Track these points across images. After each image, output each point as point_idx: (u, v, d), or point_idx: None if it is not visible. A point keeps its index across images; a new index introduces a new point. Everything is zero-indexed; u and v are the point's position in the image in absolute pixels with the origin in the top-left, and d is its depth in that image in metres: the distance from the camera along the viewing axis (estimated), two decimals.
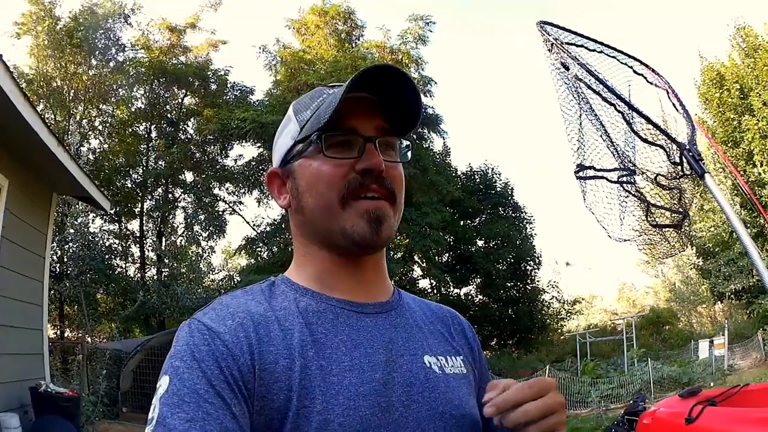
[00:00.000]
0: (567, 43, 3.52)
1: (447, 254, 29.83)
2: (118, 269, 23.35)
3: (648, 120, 3.10)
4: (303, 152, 1.14)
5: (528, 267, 30.01)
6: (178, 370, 0.95)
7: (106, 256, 20.97)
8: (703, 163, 2.96)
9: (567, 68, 3.19)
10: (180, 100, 26.08)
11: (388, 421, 1.01)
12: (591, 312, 42.21)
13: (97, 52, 23.15)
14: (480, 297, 30.20)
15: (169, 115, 26.06)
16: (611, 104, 3.11)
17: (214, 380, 0.93)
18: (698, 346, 20.66)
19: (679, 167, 3.04)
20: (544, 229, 76.05)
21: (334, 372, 1.00)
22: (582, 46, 3.60)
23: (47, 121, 21.56)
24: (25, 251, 8.26)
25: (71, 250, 17.82)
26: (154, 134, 25.94)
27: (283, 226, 22.69)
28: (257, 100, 24.84)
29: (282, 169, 1.19)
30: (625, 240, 3.52)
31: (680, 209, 3.32)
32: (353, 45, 25.82)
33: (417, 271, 29.04)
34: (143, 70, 24.34)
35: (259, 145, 23.49)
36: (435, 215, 22.80)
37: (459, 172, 30.01)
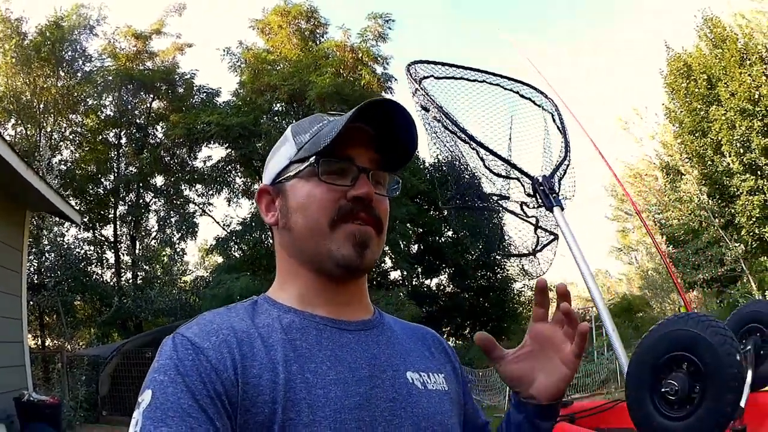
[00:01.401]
0: (444, 77, 4.04)
1: (416, 246, 30.03)
2: (95, 275, 23.64)
3: (497, 156, 3.60)
4: (298, 173, 1.16)
5: (498, 256, 30.13)
6: (162, 384, 0.95)
7: (82, 264, 21.36)
8: (557, 196, 3.46)
9: (427, 110, 3.68)
10: (148, 105, 26.34)
11: None
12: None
13: (64, 64, 23.39)
14: (451, 287, 30.45)
15: (138, 121, 26.32)
16: (466, 142, 3.61)
17: (197, 395, 0.95)
18: None
19: (534, 199, 3.53)
20: (515, 218, 76.14)
21: (320, 385, 1.02)
22: (462, 78, 4.10)
23: (18, 135, 21.98)
24: (1, 269, 8.75)
25: (48, 262, 18.17)
26: (123, 140, 26.21)
27: (253, 224, 22.98)
28: (223, 102, 25.07)
29: (273, 187, 1.21)
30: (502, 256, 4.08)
31: (538, 236, 3.85)
32: (317, 43, 25.98)
33: (387, 263, 29.34)
34: (111, 78, 24.56)
35: (227, 145, 23.83)
36: (400, 209, 23.04)
37: (427, 164, 30.22)
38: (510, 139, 4.29)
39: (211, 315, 1.09)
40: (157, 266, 24.56)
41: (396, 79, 25.52)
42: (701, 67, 23.19)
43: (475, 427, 1.31)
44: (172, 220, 25.55)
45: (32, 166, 9.25)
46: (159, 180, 26.33)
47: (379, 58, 24.84)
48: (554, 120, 4.29)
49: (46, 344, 20.41)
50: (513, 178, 3.68)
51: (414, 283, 29.31)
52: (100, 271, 24.84)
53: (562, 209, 3.46)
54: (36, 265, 18.54)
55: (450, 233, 29.22)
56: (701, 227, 23.44)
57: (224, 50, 25.66)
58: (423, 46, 65.99)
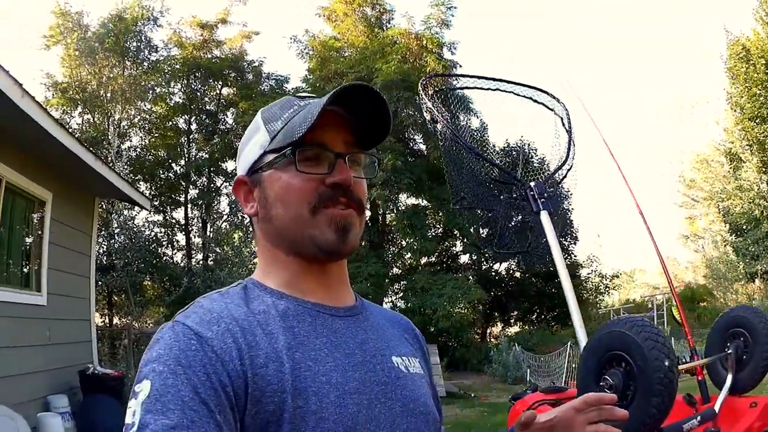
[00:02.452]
0: (461, 88, 4.38)
1: (485, 230, 30.01)
2: (165, 257, 24.39)
3: (492, 163, 3.94)
4: (273, 164, 1.15)
5: (565, 242, 29.94)
6: (161, 375, 0.93)
7: (152, 246, 21.97)
8: (545, 201, 3.77)
9: (435, 122, 4.03)
10: (218, 92, 26.95)
11: (370, 416, 1.05)
12: (632, 287, 41.40)
13: (130, 55, 24.10)
14: (519, 273, 30.43)
15: (208, 108, 26.95)
16: (469, 150, 3.94)
17: (199, 387, 0.93)
18: None
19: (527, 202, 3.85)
20: (584, 204, 75.21)
21: (322, 372, 1.03)
22: (477, 87, 4.42)
23: (86, 123, 22.88)
24: (72, 252, 9.39)
25: (117, 244, 18.75)
26: (194, 126, 26.85)
27: None
28: (292, 89, 25.54)
29: (250, 177, 1.20)
30: (502, 252, 4.40)
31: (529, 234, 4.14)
32: (383, 29, 26.28)
33: (458, 247, 29.37)
34: (178, 66, 25.27)
35: None
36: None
37: (497, 148, 30.11)
38: (521, 142, 4.56)
39: (208, 302, 1.08)
40: (227, 248, 25.14)
41: (461, 65, 25.66)
42: (759, 51, 22.66)
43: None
44: None
45: (100, 157, 9.84)
46: (230, 165, 26.80)
47: (443, 45, 25.00)
48: (563, 123, 4.53)
49: (114, 322, 21.08)
50: (508, 184, 3.99)
51: (483, 267, 29.32)
52: (170, 253, 25.70)
53: (549, 212, 3.76)
54: (106, 247, 19.11)
55: (519, 218, 29.03)
56: (762, 216, 23.01)
57: (291, 38, 26.20)
58: (486, 31, 65.57)
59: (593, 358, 3.04)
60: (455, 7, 25.04)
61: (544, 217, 3.79)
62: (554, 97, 4.51)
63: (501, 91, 4.60)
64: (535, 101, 4.66)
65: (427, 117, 4.19)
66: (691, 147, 28.02)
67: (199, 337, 0.99)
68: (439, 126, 4.08)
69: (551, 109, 4.66)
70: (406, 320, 1.39)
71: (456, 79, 4.52)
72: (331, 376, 1.04)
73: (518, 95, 4.68)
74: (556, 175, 4.29)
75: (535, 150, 29.47)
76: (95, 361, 9.74)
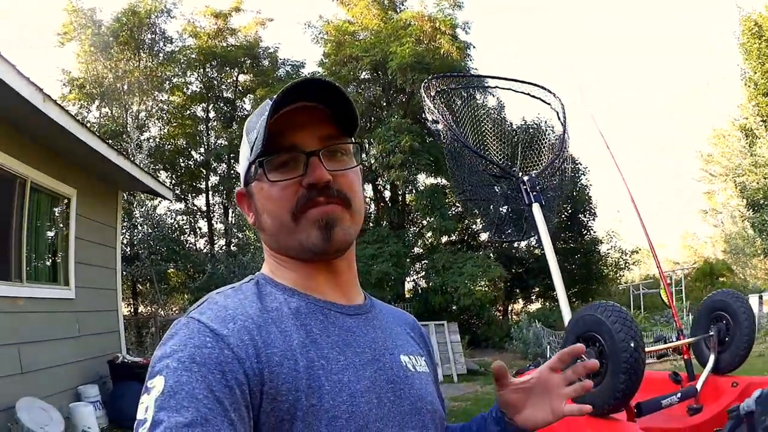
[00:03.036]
0: (459, 87, 4.59)
1: (504, 208, 29.95)
2: (188, 244, 24.72)
3: (488, 160, 4.16)
4: (255, 175, 1.16)
5: (584, 218, 29.65)
6: (175, 371, 0.92)
7: (174, 234, 22.30)
8: (537, 194, 3.98)
9: (437, 122, 4.26)
10: (234, 79, 27.18)
11: (380, 415, 1.06)
12: (651, 262, 40.99)
13: (145, 47, 24.40)
14: (537, 249, 30.45)
15: (225, 95, 27.23)
16: (467, 147, 4.17)
17: (214, 384, 0.92)
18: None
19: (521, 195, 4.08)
20: (601, 179, 74.97)
21: (335, 370, 1.03)
22: (476, 86, 4.63)
23: (104, 116, 23.21)
24: (98, 245, 9.69)
25: (140, 234, 19.10)
26: (212, 114, 27.17)
27: None
28: (308, 73, 25.82)
29: (245, 189, 1.21)
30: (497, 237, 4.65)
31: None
32: (397, 12, 26.32)
33: (479, 225, 29.42)
34: (194, 56, 25.54)
35: None
36: None
37: (514, 126, 30.09)
38: (516, 136, 4.79)
39: (222, 298, 1.08)
40: (250, 233, 25.43)
41: (474, 46, 25.69)
42: None
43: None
44: None
45: (122, 152, 10.11)
46: None
47: (456, 26, 25.05)
48: (558, 117, 4.73)
49: (139, 311, 21.52)
50: (503, 177, 4.21)
51: (504, 245, 29.37)
52: (193, 240, 26.09)
53: (541, 205, 3.98)
54: (129, 237, 19.43)
55: (556, 199, 29.01)
56: None
57: (306, 23, 26.35)
58: (499, 11, 65.26)
59: (572, 338, 3.28)
60: None
61: (536, 209, 4.02)
62: (550, 92, 4.70)
63: (499, 88, 4.78)
64: (532, 96, 4.85)
65: (429, 117, 4.40)
66: (708, 121, 27.92)
67: (215, 335, 0.98)
68: (440, 126, 4.29)
69: (548, 104, 4.84)
70: (412, 318, 1.41)
71: (455, 81, 4.73)
72: (344, 375, 1.04)
73: (516, 91, 4.88)
74: (551, 167, 4.48)
75: (552, 128, 29.55)
76: (123, 350, 10.06)
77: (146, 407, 0.91)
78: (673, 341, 4.31)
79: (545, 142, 4.81)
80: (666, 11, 74.46)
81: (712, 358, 3.89)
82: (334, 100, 1.13)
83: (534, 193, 4.05)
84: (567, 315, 3.76)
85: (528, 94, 4.87)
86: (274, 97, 1.14)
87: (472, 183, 4.61)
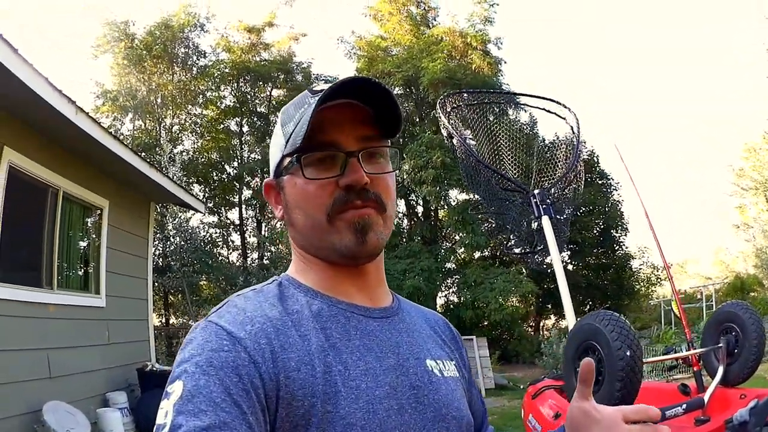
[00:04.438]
0: (477, 104, 4.68)
1: (536, 224, 29.74)
2: (220, 257, 24.91)
3: (498, 174, 4.23)
4: (289, 169, 1.13)
5: (616, 234, 29.27)
6: (193, 375, 0.93)
7: (207, 247, 22.52)
8: (547, 207, 4.06)
9: (451, 137, 4.35)
10: (268, 94, 27.44)
11: (400, 422, 1.04)
12: (683, 278, 39.81)
13: (178, 61, 24.76)
14: (571, 265, 30.27)
15: (258, 110, 27.47)
16: (478, 161, 4.25)
17: (232, 388, 0.92)
18: None
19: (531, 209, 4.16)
20: (629, 199, 74.10)
21: (352, 376, 1.02)
22: (493, 102, 4.72)
23: (137, 129, 23.59)
24: (129, 255, 9.88)
25: (173, 246, 19.29)
26: (245, 128, 27.45)
27: None
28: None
29: (275, 181, 1.19)
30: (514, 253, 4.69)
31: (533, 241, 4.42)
32: (429, 27, 26.49)
33: (512, 240, 29.18)
34: (227, 70, 25.85)
35: None
36: None
37: (546, 141, 29.87)
38: (532, 150, 4.87)
39: (242, 301, 1.07)
40: (282, 247, 25.58)
41: (506, 62, 25.79)
42: None
43: (476, 417, 1.30)
44: None
45: (154, 164, 10.33)
46: None
47: (488, 41, 25.14)
48: (573, 131, 4.80)
49: (171, 322, 21.72)
50: (515, 191, 4.29)
51: (537, 258, 29.09)
52: (225, 253, 26.35)
53: (551, 217, 4.06)
54: (162, 249, 19.60)
55: (569, 211, 28.93)
56: None
57: (339, 39, 26.64)
58: (523, 22, 65.23)
59: (573, 346, 3.33)
60: (497, 4, 25.18)
61: (545, 222, 4.09)
62: (566, 107, 4.77)
63: (516, 104, 4.87)
64: (548, 111, 4.92)
65: (444, 133, 4.51)
66: (741, 136, 27.73)
67: (232, 337, 0.97)
68: (454, 141, 4.39)
69: (563, 118, 4.91)
70: (443, 320, 1.38)
71: (471, 97, 4.84)
72: (362, 381, 1.03)
73: (532, 107, 4.96)
74: (562, 181, 4.54)
75: (584, 142, 29.37)
76: (153, 359, 10.22)
77: (165, 412, 0.91)
78: (682, 353, 4.32)
79: (560, 157, 4.87)
80: (690, 21, 73.77)
81: (720, 370, 3.89)
82: (377, 100, 1.11)
83: (544, 206, 4.12)
84: (571, 324, 3.81)
85: (544, 109, 4.94)
86: (314, 88, 1.15)
87: (487, 197, 4.69)
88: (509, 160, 4.80)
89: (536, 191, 4.21)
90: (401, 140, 24.69)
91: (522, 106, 4.90)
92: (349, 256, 1.11)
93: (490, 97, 4.88)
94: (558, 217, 4.40)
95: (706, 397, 3.71)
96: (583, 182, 4.74)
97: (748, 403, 3.44)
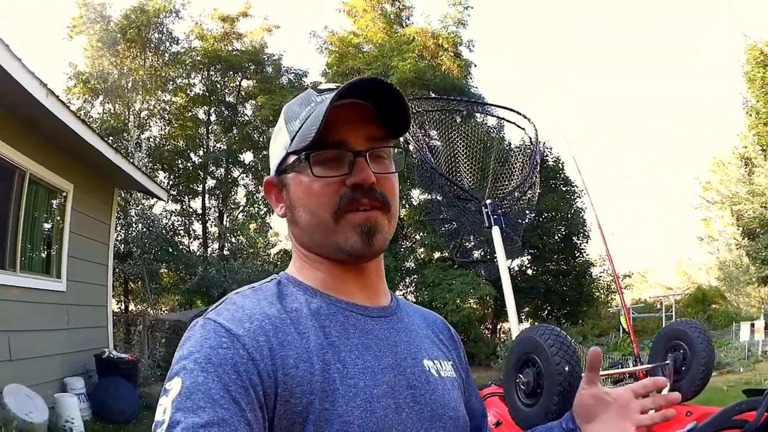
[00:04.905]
0: (437, 110, 4.77)
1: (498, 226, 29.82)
2: (181, 246, 24.71)
3: (451, 182, 4.34)
4: (294, 166, 1.12)
5: (577, 241, 29.14)
6: (192, 372, 0.93)
7: (169, 235, 22.39)
8: (497, 218, 4.17)
9: (408, 143, 4.45)
10: (237, 84, 27.34)
11: (397, 421, 1.03)
12: (644, 287, 40.63)
13: (151, 46, 24.57)
14: (531, 269, 30.40)
15: (227, 99, 27.34)
16: (434, 170, 4.35)
17: (230, 385, 0.92)
18: (740, 328, 19.76)
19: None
20: (598, 203, 74.60)
21: (351, 375, 1.02)
22: (453, 109, 4.83)
23: (107, 112, 23.36)
24: (91, 241, 9.86)
25: (134, 232, 19.10)
26: (213, 118, 27.27)
27: None
28: (311, 83, 25.94)
29: (278, 178, 1.18)
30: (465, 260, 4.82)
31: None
32: (403, 26, 26.55)
33: (471, 242, 29.34)
34: (199, 58, 25.73)
35: None
36: None
37: (513, 146, 29.89)
38: (491, 159, 4.95)
39: (241, 298, 1.07)
40: (243, 239, 25.47)
41: (476, 65, 26.01)
42: None
43: (474, 417, 1.32)
44: (260, 194, 26.47)
45: (120, 150, 10.29)
46: (248, 156, 27.36)
47: (461, 43, 25.33)
48: (531, 142, 4.90)
49: (130, 309, 21.54)
50: (468, 200, 4.39)
51: (496, 263, 29.20)
52: (187, 242, 26.13)
53: (501, 228, 4.17)
54: (123, 235, 19.43)
55: (531, 215, 29.11)
56: None
57: (311, 33, 26.56)
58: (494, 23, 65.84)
59: (513, 358, 3.41)
60: (471, 7, 25.37)
61: (495, 232, 4.17)
62: (525, 117, 4.86)
63: (475, 112, 4.96)
64: (508, 121, 5.02)
65: (401, 138, 4.57)
66: (709, 149, 28.17)
67: (231, 335, 0.97)
68: (411, 147, 4.48)
69: (522, 128, 5.00)
70: (442, 320, 1.37)
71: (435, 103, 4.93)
72: (360, 379, 1.02)
73: (492, 116, 5.05)
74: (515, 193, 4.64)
75: (551, 149, 29.60)
76: (111, 346, 10.16)
77: (164, 409, 0.91)
78: (629, 367, 4.39)
79: (517, 166, 4.97)
80: (659, 24, 75.02)
81: (667, 387, 3.90)
82: (385, 102, 1.10)
83: (495, 216, 4.21)
84: (514, 332, 3.88)
85: (503, 118, 5.03)
86: (319, 87, 1.16)
87: (444, 203, 4.78)
88: (466, 168, 4.88)
89: (488, 201, 4.29)
90: None
91: (482, 115, 4.97)
92: (354, 256, 1.11)
93: (450, 104, 4.94)
94: (508, 231, 4.49)
95: None
96: (537, 194, 4.84)
97: (687, 425, 3.48)
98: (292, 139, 1.11)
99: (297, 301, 1.09)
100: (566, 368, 3.02)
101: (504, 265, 4.13)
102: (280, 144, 1.16)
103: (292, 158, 1.12)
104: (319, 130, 1.03)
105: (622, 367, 4.93)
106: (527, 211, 4.88)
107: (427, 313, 1.34)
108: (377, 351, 1.08)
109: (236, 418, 0.90)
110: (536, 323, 29.38)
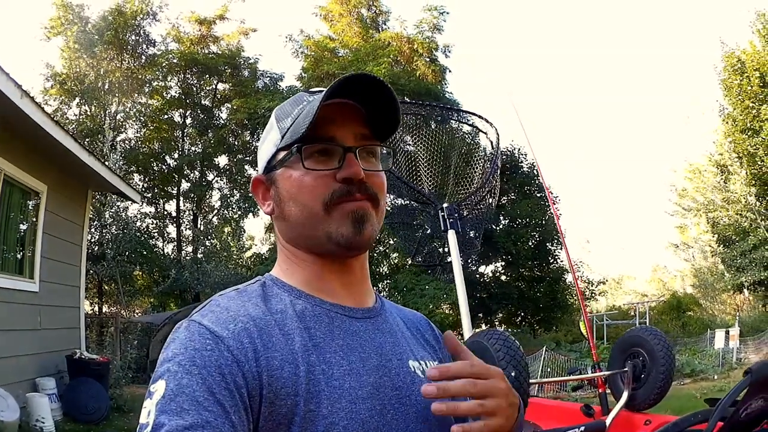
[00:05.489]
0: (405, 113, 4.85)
1: (471, 232, 29.75)
2: (155, 248, 24.70)
3: (411, 187, 4.44)
4: (284, 161, 1.14)
5: (552, 247, 29.02)
6: (176, 375, 0.93)
7: (143, 237, 22.34)
8: (453, 222, 4.27)
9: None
10: (213, 87, 27.27)
11: (382, 422, 1.04)
12: (618, 294, 40.81)
13: (128, 48, 24.53)
14: (505, 276, 29.83)
15: (203, 102, 27.28)
16: (391, 172, 4.42)
17: (215, 387, 0.92)
18: (714, 335, 19.88)
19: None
20: (573, 210, 75.32)
21: (336, 376, 1.02)
22: (417, 113, 4.93)
23: (83, 114, 23.24)
24: (63, 242, 9.87)
25: (108, 234, 18.93)
26: (188, 121, 27.18)
27: None
28: (286, 87, 25.81)
29: (266, 176, 1.19)
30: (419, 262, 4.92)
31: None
32: (379, 30, 26.60)
33: (446, 248, 29.28)
34: (175, 61, 25.66)
35: None
36: None
37: (474, 151, 29.66)
38: (452, 163, 5.03)
39: (225, 300, 1.07)
40: (216, 242, 25.39)
41: (450, 71, 26.18)
42: (755, 64, 22.46)
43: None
44: (235, 197, 26.55)
45: (93, 153, 10.32)
46: (222, 160, 27.22)
47: (437, 48, 25.52)
48: (492, 146, 4.97)
49: (104, 311, 21.34)
50: (426, 203, 4.48)
51: (469, 269, 29.30)
52: (161, 244, 26.02)
53: (457, 232, 4.26)
54: (98, 236, 19.28)
55: (506, 222, 29.29)
56: (750, 228, 22.92)
57: (287, 37, 26.55)
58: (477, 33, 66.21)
59: None
60: (448, 13, 25.53)
61: (451, 236, 4.24)
62: (487, 121, 4.93)
63: (441, 116, 5.02)
64: (470, 125, 5.09)
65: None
66: (685, 155, 28.26)
67: (215, 337, 0.97)
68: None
69: (484, 133, 5.06)
70: (426, 320, 1.37)
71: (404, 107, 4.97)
72: (345, 381, 1.02)
73: (454, 119, 5.13)
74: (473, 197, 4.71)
75: (525, 155, 29.68)
76: (83, 347, 10.20)
77: (148, 411, 0.91)
78: (588, 374, 4.31)
79: (477, 171, 5.01)
80: (642, 30, 75.80)
81: (625, 395, 3.87)
82: (375, 102, 1.13)
83: (451, 220, 4.28)
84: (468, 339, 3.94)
85: (466, 122, 5.10)
86: (310, 89, 1.20)
87: (398, 207, 4.84)
88: (426, 171, 4.95)
89: (445, 205, 4.38)
90: None
91: (446, 119, 5.05)
92: (344, 246, 1.11)
93: (412, 108, 5.01)
94: (468, 231, 4.58)
95: (608, 420, 3.70)
96: (496, 199, 4.92)
97: (654, 428, 3.52)
98: (282, 136, 1.14)
99: (282, 302, 1.09)
100: (513, 374, 2.95)
101: (459, 269, 4.20)
102: (270, 142, 1.18)
103: (282, 153, 1.14)
104: (312, 122, 1.06)
105: (580, 374, 4.94)
106: (497, 216, 4.98)
107: (410, 313, 1.35)
108: (362, 352, 1.09)
109: (220, 421, 0.89)
110: (512, 330, 29.53)
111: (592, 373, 4.28)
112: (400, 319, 1.27)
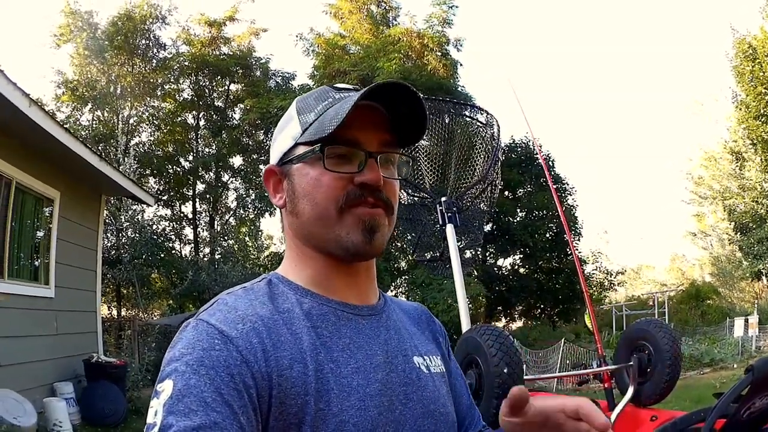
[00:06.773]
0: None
1: (488, 226, 29.78)
2: (173, 251, 24.74)
3: (411, 183, 4.43)
4: (303, 157, 1.12)
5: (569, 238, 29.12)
6: (184, 375, 0.92)
7: (159, 240, 22.36)
8: (452, 216, 4.26)
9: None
10: (226, 88, 27.29)
11: (390, 419, 1.04)
12: (638, 283, 40.87)
13: (139, 52, 24.52)
14: (524, 268, 29.89)
15: (216, 104, 27.31)
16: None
17: (223, 387, 0.91)
18: (734, 323, 20.03)
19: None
20: (592, 202, 75.04)
21: (344, 374, 1.02)
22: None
23: (96, 119, 23.36)
24: (79, 247, 9.98)
25: (124, 238, 19.07)
26: (202, 122, 27.19)
27: None
28: (298, 86, 25.80)
29: (280, 168, 1.18)
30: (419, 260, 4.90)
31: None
32: (389, 26, 26.49)
33: (463, 242, 29.21)
34: (186, 63, 25.67)
35: None
36: None
37: (475, 144, 29.57)
38: (452, 157, 5.01)
39: (233, 299, 1.06)
40: (233, 243, 25.42)
41: (461, 65, 26.13)
42: (766, 49, 22.35)
43: (461, 409, 1.31)
44: (251, 197, 26.61)
45: (105, 158, 10.43)
46: (237, 160, 27.28)
47: (448, 42, 25.48)
48: (493, 139, 4.94)
49: (122, 314, 21.33)
50: (425, 197, 4.47)
51: (488, 262, 29.34)
52: (178, 247, 26.11)
53: (455, 226, 4.24)
54: (114, 241, 19.38)
55: (522, 214, 29.20)
56: (767, 215, 22.91)
57: (297, 35, 26.58)
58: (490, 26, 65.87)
59: (458, 359, 3.42)
60: (457, 6, 25.42)
61: (449, 230, 4.21)
62: (489, 114, 4.91)
63: (441, 110, 4.99)
64: (471, 118, 5.06)
65: None
66: (700, 143, 27.99)
67: (224, 336, 0.96)
68: None
69: (484, 125, 5.04)
70: (427, 312, 1.37)
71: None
72: (353, 378, 1.03)
73: (455, 113, 5.10)
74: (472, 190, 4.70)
75: (540, 146, 29.47)
76: (100, 351, 10.28)
77: (155, 411, 0.91)
78: (593, 368, 4.22)
79: (478, 164, 4.97)
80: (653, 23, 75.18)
81: (630, 389, 3.81)
82: (403, 110, 1.13)
83: (449, 214, 4.25)
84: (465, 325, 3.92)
85: (466, 116, 5.07)
86: (336, 85, 1.19)
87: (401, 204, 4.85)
88: (427, 166, 4.94)
89: (443, 199, 4.35)
90: None
91: (446, 113, 5.01)
92: (352, 253, 1.11)
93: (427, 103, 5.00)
94: (472, 228, 4.56)
95: (613, 416, 3.65)
96: (497, 192, 4.90)
97: (662, 423, 3.34)
98: (304, 130, 1.13)
99: (288, 301, 1.09)
100: (505, 370, 2.96)
101: (457, 264, 4.17)
102: (288, 134, 1.17)
103: (301, 149, 1.13)
104: (342, 123, 1.04)
105: (585, 368, 4.85)
106: (488, 210, 4.94)
107: (410, 307, 1.35)
108: (368, 350, 1.09)
109: (229, 422, 0.89)
110: (531, 322, 29.46)
111: (597, 367, 4.20)
112: (404, 315, 1.28)
